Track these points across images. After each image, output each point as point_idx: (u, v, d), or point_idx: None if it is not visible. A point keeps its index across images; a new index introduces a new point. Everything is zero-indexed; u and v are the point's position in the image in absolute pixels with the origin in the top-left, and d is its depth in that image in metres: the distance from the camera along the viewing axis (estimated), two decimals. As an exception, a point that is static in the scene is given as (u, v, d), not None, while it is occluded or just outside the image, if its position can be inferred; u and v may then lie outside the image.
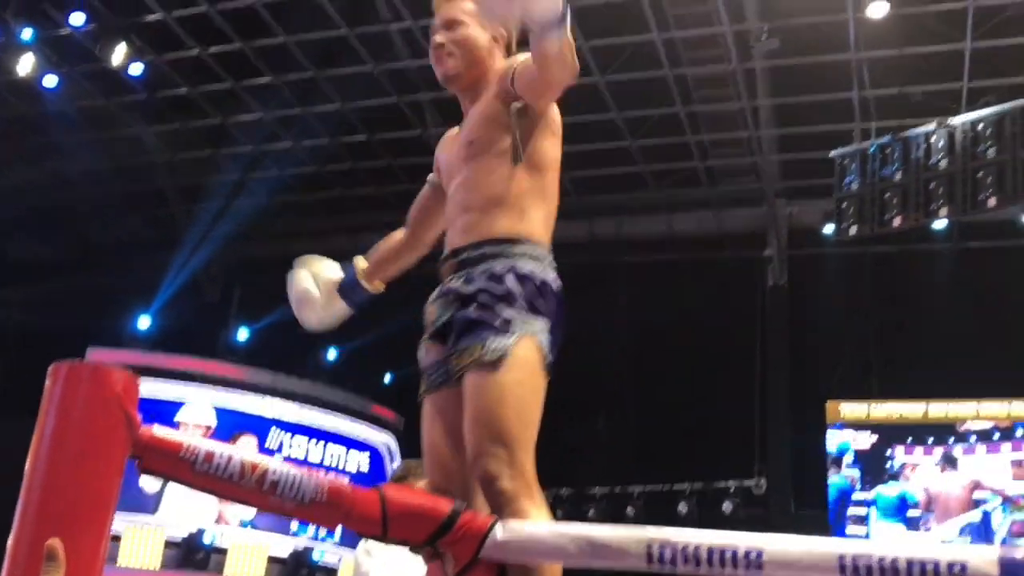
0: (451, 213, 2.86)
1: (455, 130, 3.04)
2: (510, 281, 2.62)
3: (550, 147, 2.84)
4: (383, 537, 2.25)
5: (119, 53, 12.43)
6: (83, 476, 1.99)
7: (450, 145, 2.99)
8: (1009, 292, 13.99)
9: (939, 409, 13.84)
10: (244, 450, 2.17)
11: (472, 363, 2.54)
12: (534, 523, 2.34)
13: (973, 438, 13.44)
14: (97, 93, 13.79)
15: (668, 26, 11.99)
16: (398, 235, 3.27)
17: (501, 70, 2.85)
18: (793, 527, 14.08)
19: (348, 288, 3.24)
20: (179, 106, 14.07)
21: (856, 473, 13.75)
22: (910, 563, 1.98)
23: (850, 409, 14.10)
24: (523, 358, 2.55)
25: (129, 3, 12.11)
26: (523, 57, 2.73)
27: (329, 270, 3.30)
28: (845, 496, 13.69)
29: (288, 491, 2.16)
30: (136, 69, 12.98)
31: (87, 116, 14.28)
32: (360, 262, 3.24)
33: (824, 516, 13.68)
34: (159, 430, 2.14)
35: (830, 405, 14.12)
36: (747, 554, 2.10)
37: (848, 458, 13.82)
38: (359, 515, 2.23)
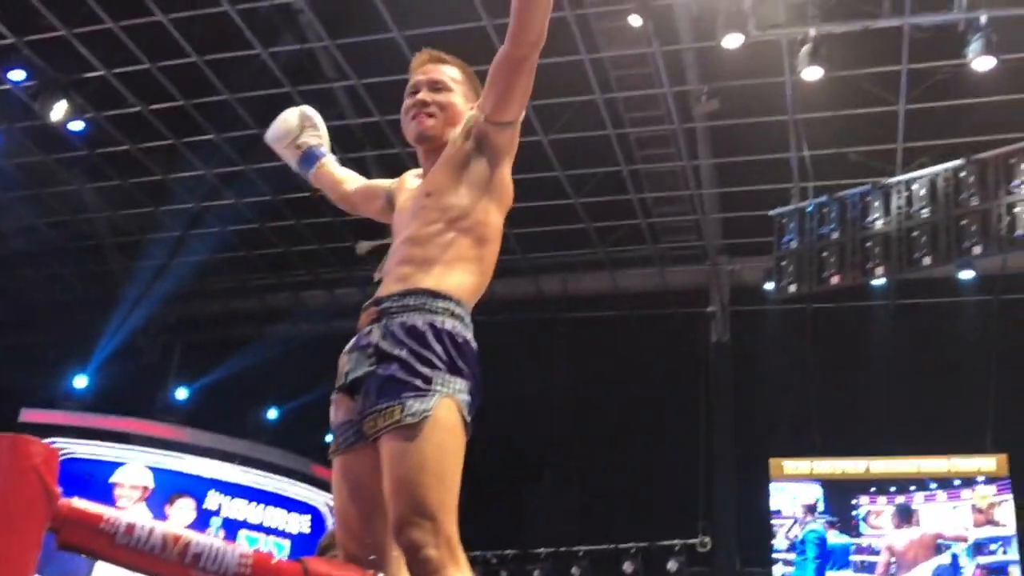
0: (389, 264, 2.82)
1: (417, 174, 3.04)
2: (431, 338, 2.55)
3: (497, 218, 2.84)
4: (307, 610, 2.19)
5: (59, 109, 12.30)
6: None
7: (407, 192, 2.98)
8: (946, 348, 14.23)
9: (881, 466, 13.95)
10: (168, 523, 2.10)
11: (390, 426, 2.44)
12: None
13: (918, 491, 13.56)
14: (36, 149, 13.63)
15: (610, 87, 12.16)
16: (342, 182, 3.34)
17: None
18: (737, 584, 14.08)
19: (306, 156, 3.39)
20: (120, 162, 13.93)
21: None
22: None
23: (793, 466, 14.16)
24: (444, 420, 2.46)
25: (70, 59, 12.02)
26: None
27: (311, 134, 3.45)
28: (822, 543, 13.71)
29: (211, 564, 2.09)
30: (76, 125, 12.85)
31: (26, 172, 14.11)
32: (328, 163, 3.38)
33: (768, 573, 13.67)
34: (78, 502, 2.07)
35: (773, 462, 14.17)
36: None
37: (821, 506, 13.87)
38: (284, 587, 2.17)
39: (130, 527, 2.06)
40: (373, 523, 2.53)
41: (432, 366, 2.51)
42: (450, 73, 2.98)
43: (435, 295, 2.63)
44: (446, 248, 2.71)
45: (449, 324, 2.59)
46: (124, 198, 14.67)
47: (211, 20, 11.43)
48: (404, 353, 2.52)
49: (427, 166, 2.95)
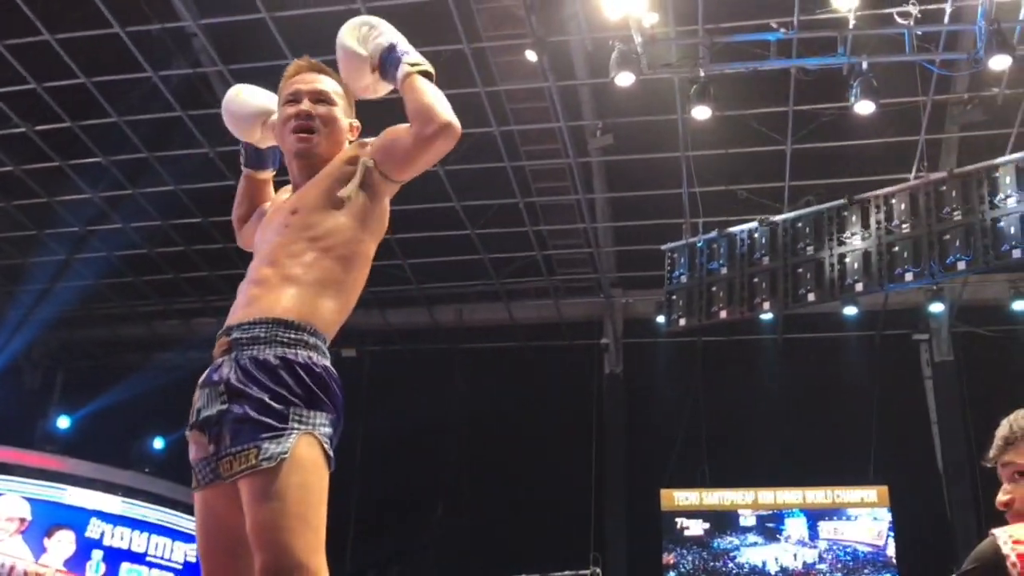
0: (243, 284, 2.70)
1: (288, 190, 2.94)
2: (284, 373, 2.43)
3: (368, 246, 2.76)
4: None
5: (-62, 127, 11.89)
6: None
7: (278, 206, 2.88)
8: (830, 380, 14.62)
9: (767, 496, 14.22)
10: (44, 556, 2.02)
11: (246, 470, 2.33)
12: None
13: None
14: (-87, 168, 13.14)
15: (507, 120, 12.24)
16: (261, 203, 3.17)
17: (354, 144, 2.85)
18: (629, 616, 14.17)
19: (268, 151, 3.18)
20: (2, 184, 13.49)
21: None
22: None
23: (683, 497, 14.35)
24: (304, 459, 2.35)
25: (-48, 77, 11.64)
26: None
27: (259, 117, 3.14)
28: None
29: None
30: (-44, 145, 12.44)
31: (-99, 192, 13.59)
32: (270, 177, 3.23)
33: (659, 604, 13.81)
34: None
35: (664, 493, 14.35)
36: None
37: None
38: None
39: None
40: (235, 561, 2.44)
41: (287, 402, 2.40)
42: (331, 86, 2.90)
43: (286, 324, 2.51)
44: (306, 269, 2.60)
45: (303, 355, 2.48)
46: (7, 220, 14.19)
47: (100, 41, 11.18)
48: (256, 391, 2.41)
49: (299, 181, 2.85)
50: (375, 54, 2.80)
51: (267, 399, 2.39)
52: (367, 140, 2.84)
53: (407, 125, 2.72)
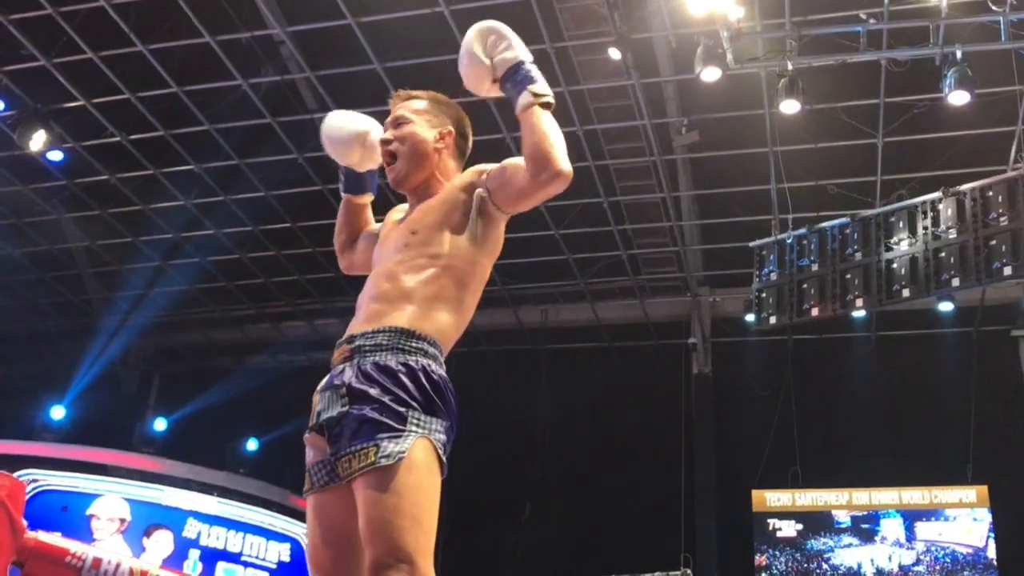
0: (362, 299, 2.78)
1: (401, 209, 3.00)
2: (405, 377, 2.51)
3: (484, 267, 2.82)
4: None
5: (38, 140, 12.23)
6: (-43, 588, 1.87)
7: (392, 226, 2.94)
8: (926, 378, 14.28)
9: (862, 497, 13.94)
10: (144, 556, 2.07)
11: (365, 467, 2.39)
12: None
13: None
14: (15, 179, 13.56)
15: (591, 119, 12.20)
16: (366, 225, 3.24)
17: (471, 171, 2.89)
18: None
19: (368, 175, 3.23)
20: (98, 192, 13.87)
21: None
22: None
23: (775, 497, 14.15)
24: (420, 461, 2.41)
25: (49, 89, 11.97)
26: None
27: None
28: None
29: (180, 600, 2.05)
30: (55, 155, 12.80)
31: (4, 202, 14.03)
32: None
33: (751, 606, 13.64)
34: (45, 536, 2.04)
35: (755, 494, 14.16)
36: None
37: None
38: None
39: (96, 561, 2.03)
40: (347, 564, 2.49)
41: (407, 405, 2.47)
42: (414, 105, 2.97)
43: (408, 334, 2.60)
44: (425, 286, 2.68)
45: (423, 363, 2.56)
46: (103, 228, 14.59)
47: (191, 50, 11.42)
48: (377, 392, 2.48)
49: (412, 202, 2.92)
50: (500, 67, 2.80)
51: (388, 401, 2.46)
52: (485, 167, 2.87)
53: (523, 162, 2.72)
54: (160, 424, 15.51)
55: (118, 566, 1.94)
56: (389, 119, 2.96)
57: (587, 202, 13.56)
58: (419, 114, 2.95)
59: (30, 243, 14.89)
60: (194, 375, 16.66)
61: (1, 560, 1.84)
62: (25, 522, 1.89)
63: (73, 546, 1.89)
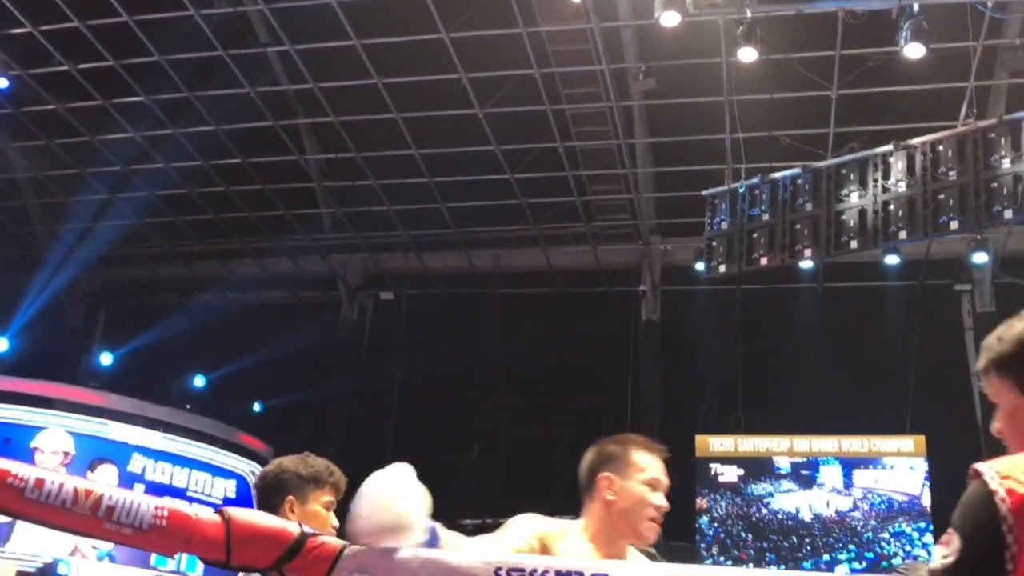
0: None
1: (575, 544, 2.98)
2: None
3: None
4: (227, 564, 2.16)
5: (-17, 65, 11.96)
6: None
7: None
8: (871, 329, 14.52)
9: (803, 444, 14.20)
10: (78, 478, 2.05)
11: None
12: (383, 548, 2.27)
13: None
14: (-42, 105, 13.26)
15: (548, 62, 12.13)
16: None
17: None
18: (663, 558, 14.23)
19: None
20: (45, 122, 13.59)
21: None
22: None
23: (718, 443, 14.37)
24: None
25: (-6, 14, 11.69)
26: None
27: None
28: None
29: (125, 517, 2.05)
30: (1, 83, 12.50)
31: (-54, 129, 13.73)
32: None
33: (693, 547, 13.87)
34: (-18, 457, 2.02)
35: (699, 439, 14.36)
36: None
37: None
38: (201, 540, 2.13)
39: (39, 481, 2.01)
40: None
41: None
42: None
43: None
44: None
45: None
46: (49, 158, 14.33)
47: (143, -22, 11.18)
48: None
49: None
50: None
51: None
52: None
53: None
54: (106, 358, 15.35)
55: (61, 486, 1.93)
56: (667, 482, 2.99)
57: (543, 147, 13.54)
58: None
59: (-27, 172, 14.60)
60: (141, 310, 16.49)
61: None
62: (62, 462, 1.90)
63: (14, 467, 1.88)
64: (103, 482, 12.27)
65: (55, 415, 12.64)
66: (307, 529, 2.25)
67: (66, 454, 12.46)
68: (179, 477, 13.19)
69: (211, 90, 12.81)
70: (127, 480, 12.73)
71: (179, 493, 12.81)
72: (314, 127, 13.76)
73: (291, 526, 2.24)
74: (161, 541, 2.11)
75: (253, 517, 2.25)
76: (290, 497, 3.27)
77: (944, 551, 1.81)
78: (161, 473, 13.05)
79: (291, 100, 13.18)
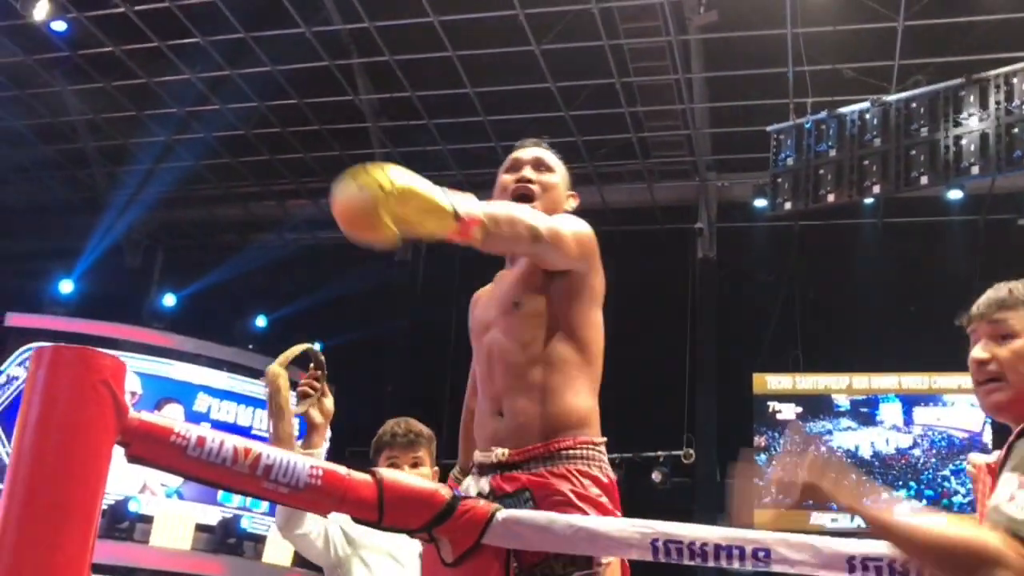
0: None
1: None
2: None
3: None
4: (378, 523, 2.19)
5: (41, 9, 11.96)
6: (70, 464, 1.89)
7: None
8: (931, 266, 14.33)
9: (862, 382, 14.13)
10: (237, 438, 2.08)
11: None
12: (537, 512, 2.29)
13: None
14: (17, 49, 13.30)
15: (606, -4, 11.95)
16: None
17: None
18: (718, 496, 14.31)
19: None
20: (103, 65, 13.63)
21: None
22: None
23: (776, 381, 14.33)
24: None
25: (52, -43, 11.68)
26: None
27: None
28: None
29: (282, 476, 2.08)
30: (59, 26, 12.55)
31: (6, 73, 13.79)
32: None
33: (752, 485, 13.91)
34: (148, 415, 2.05)
35: (756, 377, 14.34)
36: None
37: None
38: (355, 500, 2.16)
39: (200, 439, 2.04)
40: None
41: None
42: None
43: None
44: None
45: None
46: (107, 101, 14.38)
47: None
48: None
49: None
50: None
51: None
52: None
53: None
54: (169, 300, 15.54)
55: (222, 444, 1.95)
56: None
57: (599, 83, 13.38)
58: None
59: (33, 114, 14.69)
60: (198, 252, 16.63)
61: (107, 441, 1.86)
62: (129, 402, 1.90)
63: (177, 425, 1.91)
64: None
65: (120, 355, 12.79)
66: (459, 492, 2.27)
67: (133, 394, 12.68)
68: (243, 416, 13.41)
69: (267, 31, 12.76)
70: (193, 419, 12.94)
71: (244, 431, 13.03)
72: (368, 67, 13.68)
73: (443, 489, 2.26)
74: (316, 500, 2.14)
75: (405, 479, 2.28)
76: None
77: None
78: (226, 412, 13.27)
79: (344, 40, 13.09)
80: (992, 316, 2.19)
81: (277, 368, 3.02)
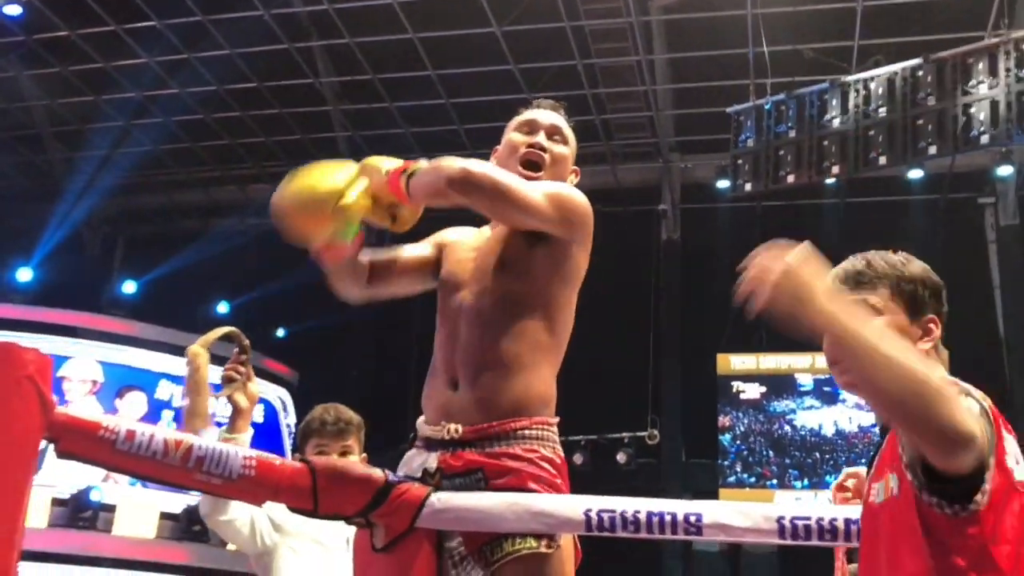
0: None
1: None
2: None
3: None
4: (314, 512, 2.17)
5: (-7, -8, 11.80)
6: (-5, 459, 1.85)
7: None
8: (892, 244, 14.37)
9: (825, 361, 14.18)
10: (167, 430, 2.05)
11: None
12: (470, 493, 2.28)
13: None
14: (-31, 34, 13.10)
15: (567, -23, 11.91)
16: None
17: None
18: (684, 476, 14.41)
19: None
20: (58, 49, 13.43)
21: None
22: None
23: (740, 361, 14.40)
24: None
25: (4, -61, 11.49)
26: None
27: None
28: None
29: (215, 468, 2.06)
30: (13, 10, 12.35)
31: (-43, 57, 13.59)
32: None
33: (713, 465, 14.02)
34: (74, 410, 2.01)
35: (720, 357, 14.40)
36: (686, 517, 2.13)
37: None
38: (289, 489, 2.14)
39: (130, 433, 2.01)
40: None
41: None
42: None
43: None
44: None
45: None
46: (63, 86, 14.19)
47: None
48: None
49: None
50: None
51: None
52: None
53: None
54: (130, 287, 15.38)
55: (152, 437, 1.92)
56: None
57: (561, 64, 13.36)
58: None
59: (-12, 101, 14.50)
60: (160, 238, 16.46)
61: (34, 437, 1.82)
62: (54, 397, 1.87)
63: (105, 419, 1.87)
64: (132, 414, 12.44)
65: (82, 343, 12.73)
66: (392, 476, 2.25)
67: (94, 383, 12.58)
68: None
69: (225, 14, 12.62)
70: (155, 407, 12.88)
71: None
72: (328, 49, 13.57)
73: (377, 473, 2.24)
74: (250, 490, 2.12)
75: (339, 465, 2.26)
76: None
77: None
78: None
79: (305, 22, 12.97)
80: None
81: (197, 348, 2.99)
